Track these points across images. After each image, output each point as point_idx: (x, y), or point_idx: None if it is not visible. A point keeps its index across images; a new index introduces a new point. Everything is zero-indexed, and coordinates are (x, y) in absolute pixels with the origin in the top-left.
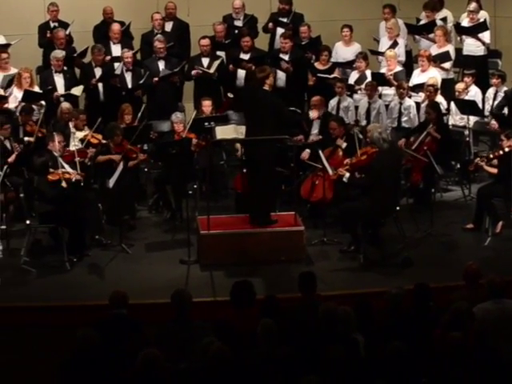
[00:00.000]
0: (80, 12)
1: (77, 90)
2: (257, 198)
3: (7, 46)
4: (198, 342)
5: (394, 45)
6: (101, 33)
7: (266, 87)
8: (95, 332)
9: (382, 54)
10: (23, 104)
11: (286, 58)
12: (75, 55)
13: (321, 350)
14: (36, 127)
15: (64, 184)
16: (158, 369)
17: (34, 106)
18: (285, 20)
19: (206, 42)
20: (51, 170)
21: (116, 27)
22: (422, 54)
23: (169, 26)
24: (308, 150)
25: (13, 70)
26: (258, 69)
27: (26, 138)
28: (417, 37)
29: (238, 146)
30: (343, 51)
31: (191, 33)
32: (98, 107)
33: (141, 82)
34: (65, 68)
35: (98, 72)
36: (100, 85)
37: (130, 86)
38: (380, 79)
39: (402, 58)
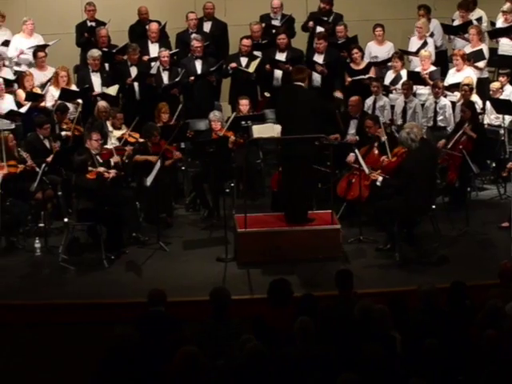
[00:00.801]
0: (116, 12)
1: (112, 90)
2: (294, 197)
3: (45, 46)
4: (235, 340)
5: (424, 44)
6: (136, 32)
7: (305, 86)
8: (134, 329)
9: (413, 53)
10: (58, 102)
11: (321, 57)
12: (114, 51)
13: (358, 347)
14: (72, 125)
15: (106, 174)
16: (196, 366)
17: (70, 105)
18: (325, 19)
19: (247, 42)
20: (90, 168)
21: (154, 26)
22: (457, 54)
23: (207, 26)
24: (353, 154)
25: (50, 69)
26: (296, 69)
27: (63, 133)
28: (451, 36)
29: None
30: (376, 50)
31: (229, 32)
32: (134, 106)
33: (177, 79)
34: (106, 65)
35: (133, 71)
36: (136, 84)
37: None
38: (416, 78)
39: (432, 58)
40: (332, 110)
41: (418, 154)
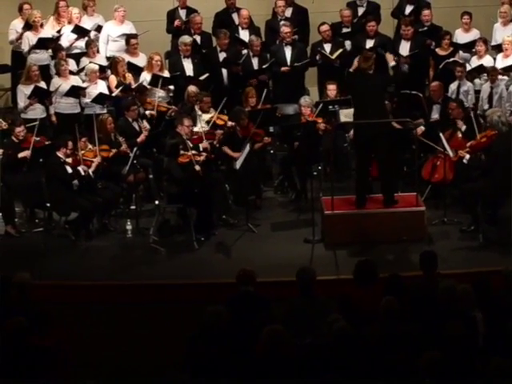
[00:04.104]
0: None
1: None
2: (387, 179)
3: (135, 36)
4: (322, 318)
5: (508, 30)
6: (221, 20)
7: (372, 72)
8: (224, 308)
9: (498, 47)
10: (136, 84)
11: (408, 44)
12: (205, 52)
13: (441, 326)
14: (155, 102)
15: (197, 167)
16: (282, 344)
17: (161, 91)
18: (411, 7)
19: (325, 28)
20: (181, 152)
21: (245, 12)
22: None
23: (288, 12)
24: (422, 127)
25: (141, 56)
26: (363, 58)
27: (147, 112)
28: None
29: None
30: (463, 38)
31: (312, 19)
32: (222, 91)
33: (264, 66)
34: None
35: (222, 57)
36: (224, 70)
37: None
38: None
39: None
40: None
41: (506, 138)
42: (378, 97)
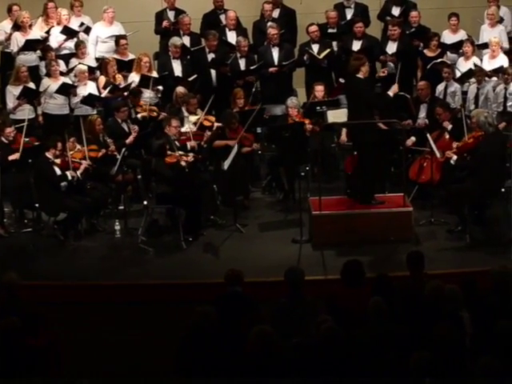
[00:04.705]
0: (192, 1)
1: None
2: (360, 180)
3: (123, 36)
4: (310, 318)
5: (495, 31)
6: (209, 21)
7: (361, 75)
8: (213, 308)
9: (485, 46)
10: (131, 86)
11: (395, 45)
12: (193, 49)
13: (429, 326)
14: (147, 106)
15: (183, 163)
16: (269, 344)
17: (150, 91)
18: (398, 9)
19: (313, 28)
20: (169, 152)
21: (232, 14)
22: None
23: (276, 13)
24: (413, 138)
25: (130, 56)
26: (354, 56)
27: (139, 115)
28: None
29: (344, 131)
30: (450, 39)
31: (300, 20)
32: (210, 92)
33: (252, 67)
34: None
35: (211, 58)
36: (213, 70)
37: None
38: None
39: (506, 45)
40: (379, 104)
41: (493, 138)
42: (360, 100)
